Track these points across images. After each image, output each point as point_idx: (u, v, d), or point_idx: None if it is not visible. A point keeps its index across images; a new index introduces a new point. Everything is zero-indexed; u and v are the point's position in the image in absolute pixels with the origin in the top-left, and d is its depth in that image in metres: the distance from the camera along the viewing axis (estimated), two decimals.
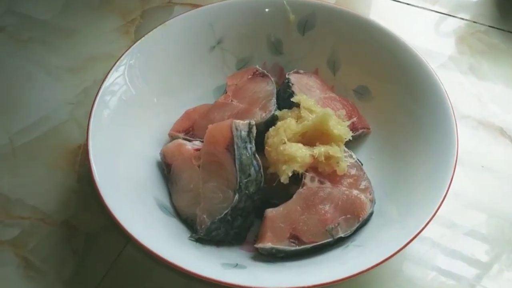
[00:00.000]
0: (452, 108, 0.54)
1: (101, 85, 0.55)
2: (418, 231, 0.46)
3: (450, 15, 0.81)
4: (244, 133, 0.51)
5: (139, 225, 0.47)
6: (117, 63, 0.57)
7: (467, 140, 0.65)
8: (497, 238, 0.57)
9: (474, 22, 0.79)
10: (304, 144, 0.53)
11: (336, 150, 0.51)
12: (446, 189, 0.48)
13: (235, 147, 0.50)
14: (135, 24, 0.79)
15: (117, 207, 0.47)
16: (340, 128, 0.53)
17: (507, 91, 0.71)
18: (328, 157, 0.51)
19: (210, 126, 0.53)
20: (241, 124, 0.51)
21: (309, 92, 0.60)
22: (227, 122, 0.51)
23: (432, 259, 0.55)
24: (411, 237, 0.45)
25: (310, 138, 0.53)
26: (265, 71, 0.62)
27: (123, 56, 0.57)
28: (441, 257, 0.56)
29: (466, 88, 0.71)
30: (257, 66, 0.63)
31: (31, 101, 0.69)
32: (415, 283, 0.53)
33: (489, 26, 0.78)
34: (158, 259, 0.44)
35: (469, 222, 0.58)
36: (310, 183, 0.51)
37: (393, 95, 0.60)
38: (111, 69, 0.56)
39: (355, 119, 0.58)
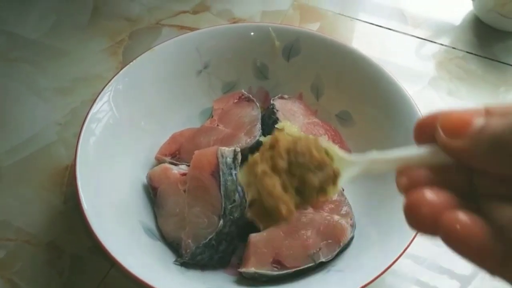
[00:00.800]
0: None
1: (88, 111, 0.56)
2: (397, 255, 0.48)
3: (429, 41, 0.83)
4: (229, 160, 0.53)
5: (123, 249, 0.48)
6: (104, 89, 0.58)
7: None
8: None
9: (453, 48, 0.82)
10: None
11: None
12: None
13: (221, 173, 0.52)
14: (123, 45, 0.80)
15: (103, 231, 0.48)
16: None
17: None
18: None
19: (196, 152, 0.54)
20: (227, 151, 0.53)
21: (293, 118, 0.61)
22: (213, 149, 0.53)
23: (416, 275, 0.57)
24: (390, 263, 0.47)
25: None
26: (251, 96, 0.63)
27: (110, 82, 0.59)
28: (425, 273, 0.57)
29: None
30: (243, 91, 0.65)
31: (18, 121, 0.70)
32: None
33: (466, 52, 0.81)
34: (141, 283, 0.45)
35: None
36: None
37: (373, 121, 0.62)
38: (98, 95, 0.57)
39: (337, 144, 0.60)
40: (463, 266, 0.58)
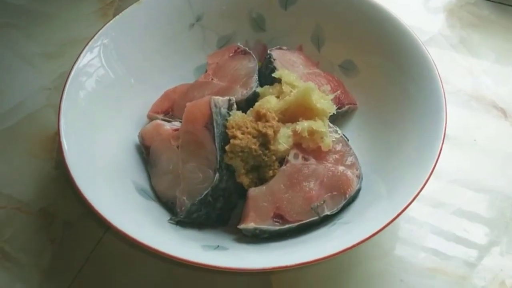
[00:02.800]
0: (441, 80, 0.51)
1: (73, 66, 0.52)
2: (404, 206, 0.44)
3: None
4: (223, 110, 0.49)
5: (116, 211, 0.45)
6: (90, 43, 0.54)
7: (459, 114, 0.63)
8: (488, 215, 0.55)
9: None
10: (287, 121, 0.51)
11: (320, 125, 0.49)
12: (434, 163, 0.46)
13: (215, 124, 0.48)
14: (114, 6, 0.76)
15: (93, 193, 0.45)
16: (324, 102, 0.51)
17: (499, 63, 0.69)
18: (312, 133, 0.49)
19: (188, 104, 0.50)
20: (221, 100, 0.49)
21: (292, 68, 0.57)
22: (206, 99, 0.49)
23: (422, 238, 0.54)
24: (397, 213, 0.43)
25: (292, 114, 0.51)
26: (247, 49, 0.59)
27: (96, 36, 0.55)
28: (431, 236, 0.54)
29: (458, 61, 0.69)
30: (239, 44, 0.61)
31: (7, 87, 0.67)
32: (405, 262, 0.52)
33: None
34: (135, 243, 0.42)
35: (462, 198, 0.56)
36: (293, 160, 0.49)
37: (380, 69, 0.58)
38: (83, 49, 0.54)
39: (338, 92, 0.56)
40: (472, 230, 0.54)
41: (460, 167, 0.59)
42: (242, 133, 0.48)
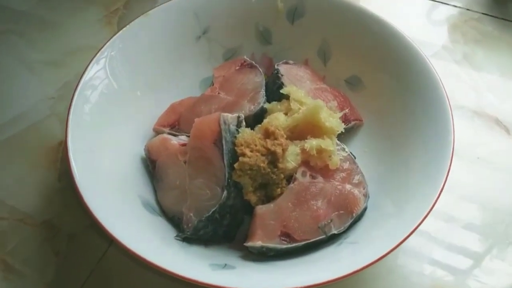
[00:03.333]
0: (447, 97, 0.52)
1: (80, 78, 0.52)
2: (414, 226, 0.44)
3: (442, 3, 0.79)
4: (233, 127, 0.49)
5: (122, 225, 0.45)
6: (97, 55, 0.54)
7: (462, 131, 0.63)
8: (493, 230, 0.56)
9: (467, 9, 0.77)
10: (295, 138, 0.51)
11: (328, 144, 0.49)
12: (443, 182, 0.47)
13: (224, 141, 0.48)
14: (118, 15, 0.76)
15: (99, 207, 0.44)
16: (332, 120, 0.51)
17: (502, 80, 0.69)
18: (320, 151, 0.49)
19: (196, 119, 0.50)
20: (230, 117, 0.49)
21: (299, 83, 0.57)
22: (215, 116, 0.49)
23: (428, 253, 0.54)
24: (407, 234, 0.43)
25: (300, 131, 0.51)
26: (254, 62, 0.59)
27: (103, 48, 0.55)
28: (438, 251, 0.54)
29: (461, 77, 0.69)
30: (245, 57, 0.61)
31: (9, 96, 0.66)
32: (411, 280, 0.52)
33: (482, 13, 0.76)
34: (142, 261, 0.41)
35: (464, 215, 0.57)
36: (301, 178, 0.49)
37: (386, 85, 0.58)
38: (90, 61, 0.53)
39: (347, 110, 0.56)
40: (477, 245, 0.55)
41: (464, 183, 0.59)
42: (251, 151, 0.48)
